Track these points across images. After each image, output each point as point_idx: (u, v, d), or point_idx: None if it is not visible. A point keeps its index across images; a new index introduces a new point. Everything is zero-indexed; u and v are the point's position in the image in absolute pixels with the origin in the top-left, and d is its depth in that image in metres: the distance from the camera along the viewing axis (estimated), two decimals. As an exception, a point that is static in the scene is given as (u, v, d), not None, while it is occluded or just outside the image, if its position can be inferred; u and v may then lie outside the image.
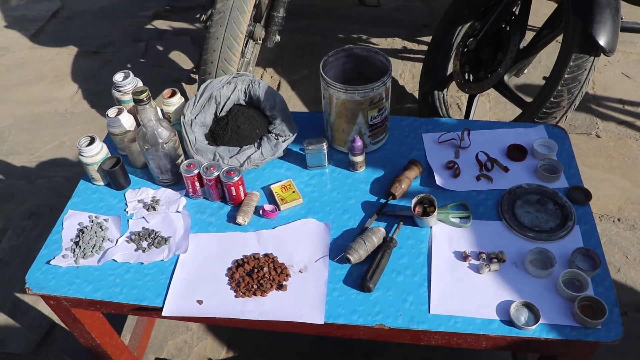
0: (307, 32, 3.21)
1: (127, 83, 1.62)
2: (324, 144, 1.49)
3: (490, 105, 2.68)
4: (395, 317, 1.21)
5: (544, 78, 2.06)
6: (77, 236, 1.45)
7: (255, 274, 1.29)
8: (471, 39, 2.25)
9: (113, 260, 1.36)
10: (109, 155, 1.56)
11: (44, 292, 1.35)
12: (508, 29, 2.15)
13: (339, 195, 1.45)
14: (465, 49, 2.25)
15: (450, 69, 2.45)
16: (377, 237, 1.33)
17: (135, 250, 1.38)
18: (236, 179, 1.40)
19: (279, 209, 1.42)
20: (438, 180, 1.48)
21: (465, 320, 1.21)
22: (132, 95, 1.38)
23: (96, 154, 1.52)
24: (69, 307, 1.41)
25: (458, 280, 1.28)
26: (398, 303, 1.23)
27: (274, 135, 1.55)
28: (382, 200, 1.43)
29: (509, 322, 1.20)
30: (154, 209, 1.48)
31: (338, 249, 1.32)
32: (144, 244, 1.40)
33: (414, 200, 1.39)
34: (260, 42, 2.35)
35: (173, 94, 1.63)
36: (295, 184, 1.47)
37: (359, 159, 1.50)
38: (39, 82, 3.11)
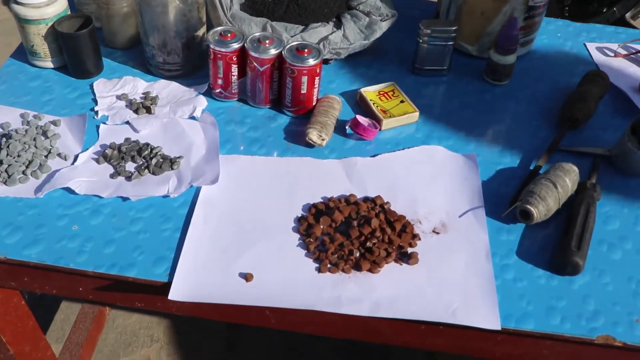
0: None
1: None
2: (454, 28, 1.02)
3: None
4: (630, 323, 0.75)
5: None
6: (-2, 145, 0.85)
7: (353, 231, 0.78)
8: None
9: (66, 190, 0.84)
10: (69, 12, 0.99)
11: None
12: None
13: (476, 115, 1.03)
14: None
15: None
16: (572, 180, 0.85)
17: (112, 176, 0.86)
18: (313, 62, 0.90)
19: (380, 127, 0.94)
20: (640, 106, 1.03)
21: None
22: None
23: (46, 3, 0.93)
24: (-33, 276, 0.83)
25: None
26: (626, 298, 0.78)
27: (361, 12, 1.04)
28: (551, 130, 1.00)
29: None
30: (149, 110, 0.96)
31: (493, 198, 0.88)
32: (129, 166, 0.87)
33: (631, 123, 0.89)
34: None
35: None
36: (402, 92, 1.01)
37: (510, 59, 1.03)
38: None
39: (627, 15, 1.79)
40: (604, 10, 1.79)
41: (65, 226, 0.80)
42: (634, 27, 1.79)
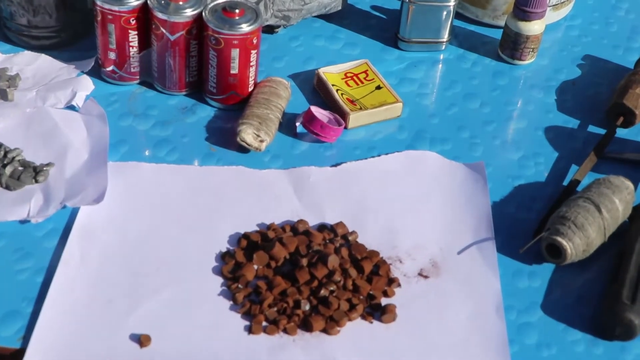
0: None
1: None
2: (455, -18, 1.13)
3: None
4: None
5: None
6: None
7: (301, 274, 0.85)
8: None
9: None
10: None
11: None
12: None
13: (487, 107, 1.12)
14: None
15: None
16: (624, 201, 0.92)
17: (-54, 193, 0.94)
18: (248, 28, 0.98)
19: (345, 124, 1.04)
20: None
21: None
22: None
23: None
24: None
25: None
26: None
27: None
28: (593, 129, 1.09)
29: None
30: (4, 96, 1.05)
31: (507, 227, 0.96)
32: (-27, 179, 0.96)
33: None
34: None
35: None
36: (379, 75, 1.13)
37: (537, 28, 1.11)
38: None
39: None
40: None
41: None
42: None
